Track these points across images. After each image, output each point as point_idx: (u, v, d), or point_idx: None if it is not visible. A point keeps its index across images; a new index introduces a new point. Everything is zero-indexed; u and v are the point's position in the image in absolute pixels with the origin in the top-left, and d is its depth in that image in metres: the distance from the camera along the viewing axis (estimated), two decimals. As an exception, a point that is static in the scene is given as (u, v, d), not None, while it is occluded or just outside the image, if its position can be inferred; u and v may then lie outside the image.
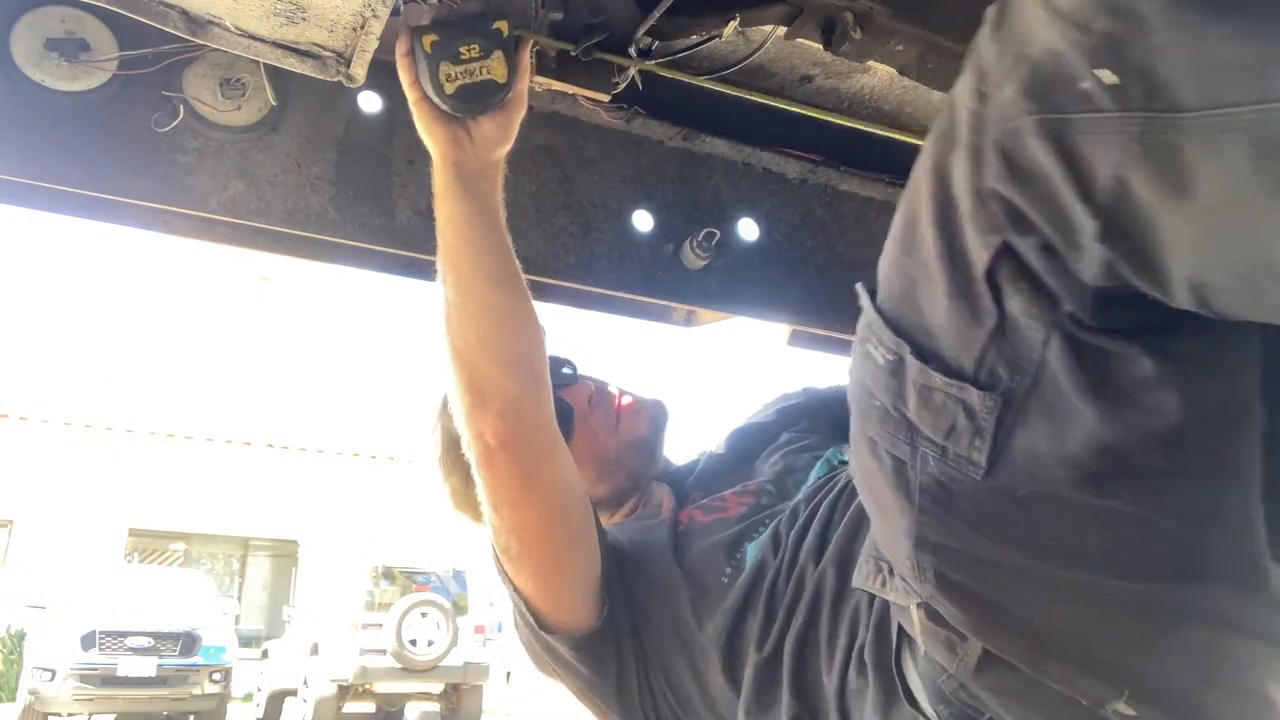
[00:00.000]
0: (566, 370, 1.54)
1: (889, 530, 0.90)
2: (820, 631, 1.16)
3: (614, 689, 1.28)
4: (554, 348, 1.50)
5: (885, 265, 0.88)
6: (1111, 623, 0.82)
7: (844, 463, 1.39)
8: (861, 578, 1.04)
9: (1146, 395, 0.73)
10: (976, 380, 0.78)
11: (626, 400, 1.52)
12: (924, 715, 1.01)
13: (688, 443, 1.67)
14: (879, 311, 0.87)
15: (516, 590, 1.28)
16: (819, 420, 1.59)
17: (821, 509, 1.27)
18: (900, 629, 1.04)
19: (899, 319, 0.85)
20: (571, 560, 1.27)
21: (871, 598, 1.10)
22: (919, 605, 0.92)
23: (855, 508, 1.22)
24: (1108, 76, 0.64)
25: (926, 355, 0.81)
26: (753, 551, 1.29)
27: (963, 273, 0.77)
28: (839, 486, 1.30)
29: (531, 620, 1.27)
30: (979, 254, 0.76)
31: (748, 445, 1.55)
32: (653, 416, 1.53)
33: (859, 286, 0.93)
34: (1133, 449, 0.75)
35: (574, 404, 1.48)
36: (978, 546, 0.83)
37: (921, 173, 0.81)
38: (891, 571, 0.97)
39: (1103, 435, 0.74)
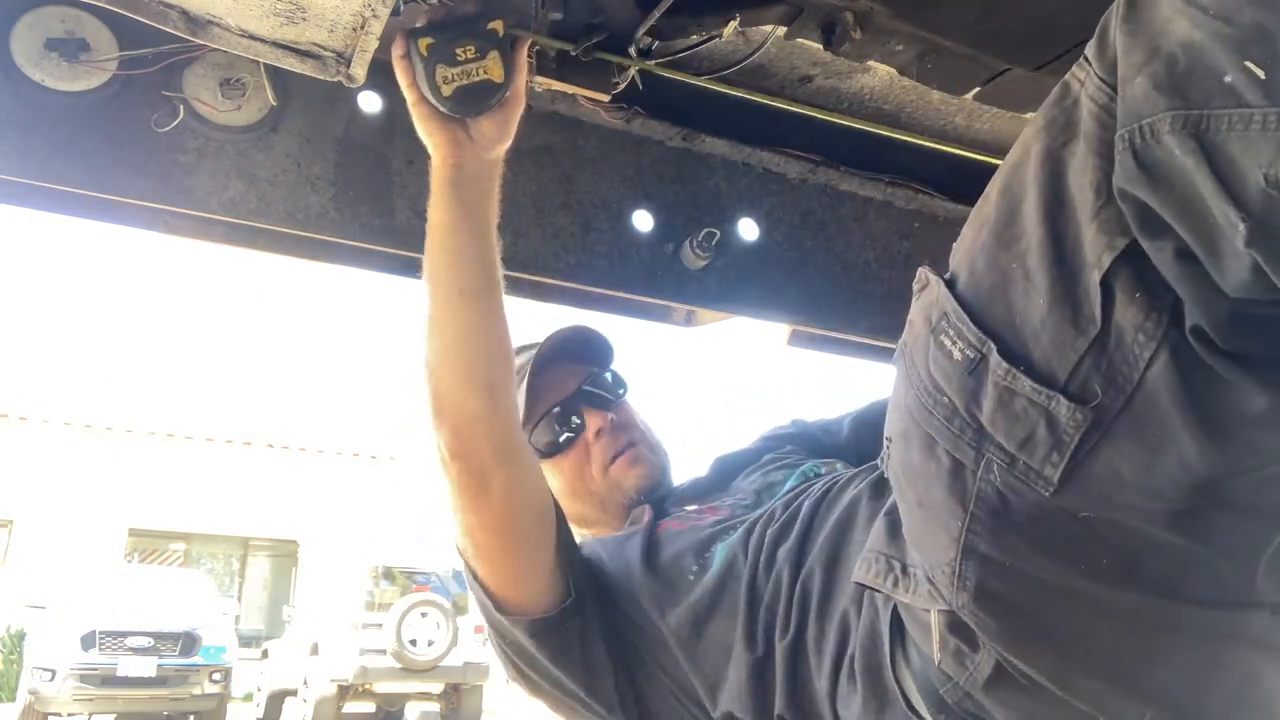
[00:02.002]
0: (603, 394, 1.55)
1: (929, 532, 0.86)
2: (808, 634, 1.15)
3: (581, 680, 1.28)
4: (620, 364, 1.57)
5: (972, 253, 0.82)
6: (1152, 642, 0.80)
7: (819, 475, 1.39)
8: (867, 575, 1.00)
9: (1251, 433, 0.69)
10: (1067, 391, 0.73)
11: (631, 451, 1.51)
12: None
13: (683, 442, 1.67)
14: (961, 302, 0.81)
15: (478, 581, 1.31)
16: (804, 447, 1.60)
17: (803, 510, 1.26)
18: (893, 633, 1.02)
19: (985, 314, 0.78)
20: (525, 563, 1.29)
21: (860, 601, 1.08)
22: (942, 612, 0.89)
23: (842, 511, 1.21)
24: (1255, 70, 0.60)
25: (1014, 357, 0.76)
26: (721, 551, 1.29)
27: (1070, 274, 0.72)
28: (819, 490, 1.29)
29: (491, 605, 1.30)
30: (1098, 256, 0.71)
31: (729, 467, 1.56)
32: (647, 480, 1.51)
33: (928, 271, 0.86)
34: (1223, 487, 0.71)
35: (588, 424, 1.51)
36: (1027, 561, 0.79)
37: (1026, 160, 0.76)
38: (905, 571, 0.94)
39: (1198, 468, 0.70)
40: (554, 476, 1.50)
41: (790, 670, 1.16)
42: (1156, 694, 0.82)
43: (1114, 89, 0.70)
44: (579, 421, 1.51)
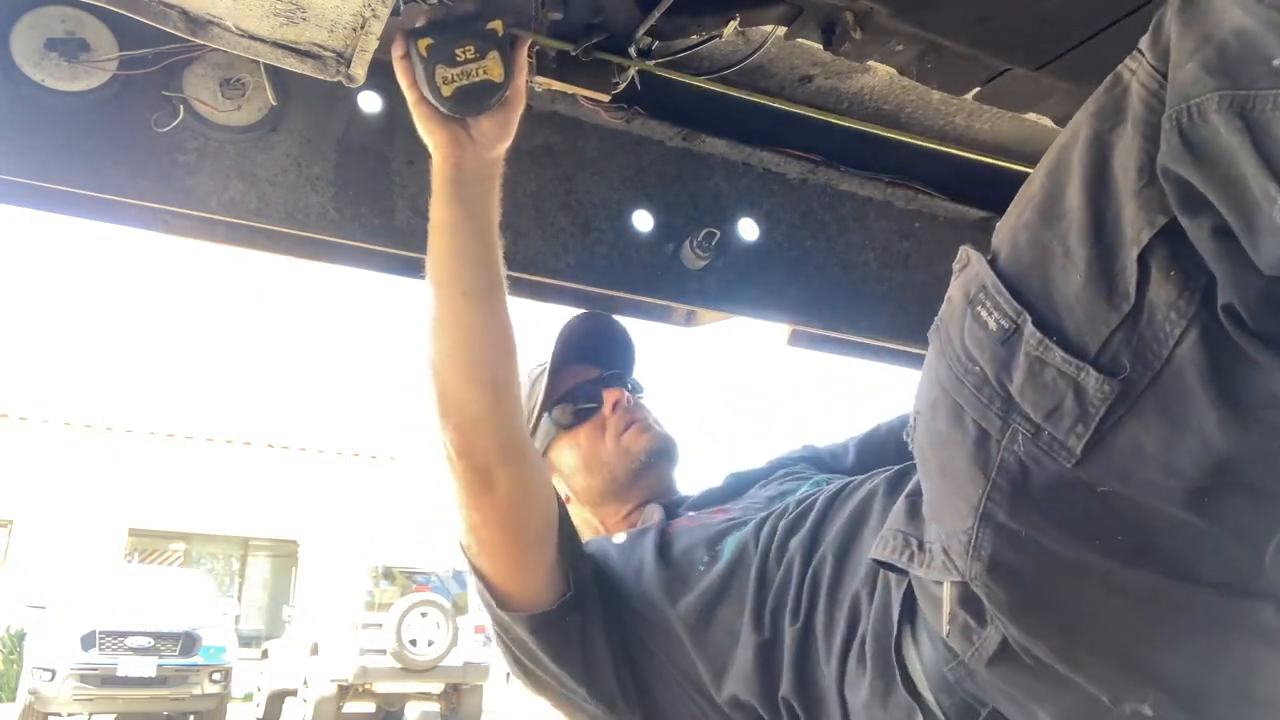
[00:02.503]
0: (613, 375, 1.66)
1: (949, 500, 0.88)
2: (817, 619, 1.17)
3: (581, 676, 1.30)
4: (640, 358, 1.70)
5: (1015, 231, 0.84)
6: (1160, 622, 0.81)
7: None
8: (884, 551, 1.02)
9: (1276, 415, 0.70)
10: (1097, 363, 0.75)
11: (641, 421, 1.61)
12: (923, 703, 1.01)
13: (682, 442, 1.75)
14: (1000, 276, 0.83)
15: (481, 577, 1.34)
16: (815, 468, 1.65)
17: (817, 504, 1.29)
18: (904, 614, 1.03)
19: (1023, 287, 0.81)
20: (528, 559, 1.32)
21: (873, 585, 1.10)
22: (954, 584, 0.90)
23: (856, 505, 1.23)
24: None
25: (1048, 328, 0.78)
26: (732, 543, 1.33)
27: (1109, 251, 0.74)
28: (834, 488, 1.32)
29: (494, 602, 1.32)
30: (1137, 232, 0.73)
31: (742, 481, 1.61)
32: (656, 445, 1.60)
33: (968, 248, 0.89)
34: (1242, 467, 0.73)
35: (605, 398, 1.61)
36: (1043, 534, 0.81)
37: (1074, 143, 0.79)
38: (921, 546, 0.96)
39: (1220, 447, 0.71)
40: (571, 450, 1.60)
41: (798, 654, 1.18)
42: (1161, 676, 0.83)
43: (1164, 76, 0.72)
44: (598, 396, 1.61)
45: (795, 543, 1.25)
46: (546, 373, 1.61)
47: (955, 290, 0.89)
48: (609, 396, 1.61)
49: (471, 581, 1.37)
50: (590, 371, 1.66)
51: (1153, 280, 0.72)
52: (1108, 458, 0.76)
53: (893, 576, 1.07)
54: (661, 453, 1.59)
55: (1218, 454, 0.72)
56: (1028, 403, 0.79)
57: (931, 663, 0.99)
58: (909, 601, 1.03)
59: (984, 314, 0.82)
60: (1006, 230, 0.86)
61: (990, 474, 0.82)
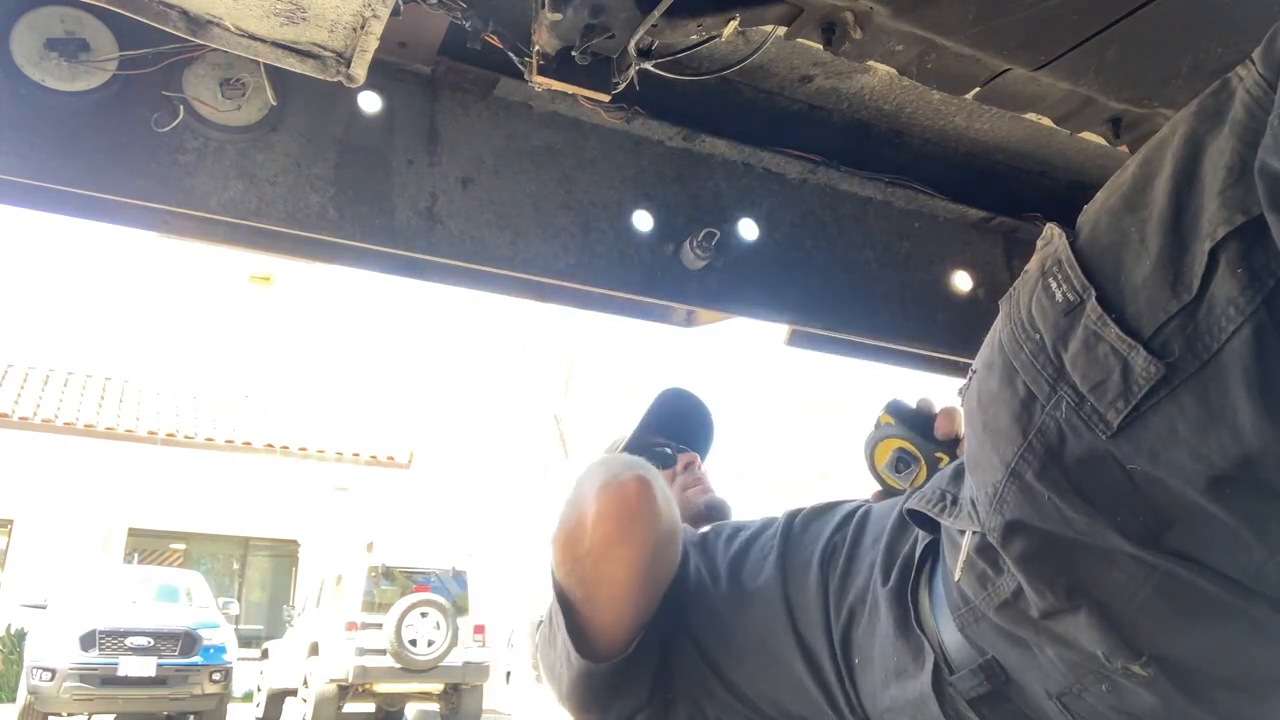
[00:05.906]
0: (689, 454, 1.80)
1: (985, 455, 0.92)
2: (833, 575, 1.25)
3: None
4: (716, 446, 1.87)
5: (1099, 213, 0.88)
6: (1161, 602, 0.84)
7: None
8: (920, 503, 1.08)
9: None
10: (1149, 345, 0.78)
11: (704, 484, 1.76)
12: (931, 645, 1.07)
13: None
14: (1076, 253, 0.87)
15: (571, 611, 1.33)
16: None
17: (850, 520, 1.36)
18: (921, 565, 1.10)
19: (1094, 266, 0.85)
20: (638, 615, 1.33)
21: (892, 552, 1.17)
22: (975, 533, 0.95)
23: (884, 507, 1.30)
24: None
25: (1110, 306, 0.82)
26: (759, 520, 1.46)
27: (1182, 243, 0.77)
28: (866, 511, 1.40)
29: (573, 647, 1.32)
30: (1214, 228, 0.75)
31: None
32: (711, 505, 1.75)
33: (1053, 226, 0.93)
34: (1266, 466, 0.75)
35: (680, 459, 1.77)
36: (1065, 499, 0.84)
37: (1171, 139, 0.82)
38: (955, 501, 1.01)
39: (1249, 441, 0.74)
40: None
41: (817, 603, 1.26)
42: (1156, 649, 0.86)
43: (1272, 86, 0.74)
44: (674, 458, 1.76)
45: (811, 538, 1.34)
46: (634, 429, 1.77)
47: (1033, 262, 0.93)
48: (684, 458, 1.76)
49: (559, 628, 1.34)
50: (673, 443, 1.81)
51: (1218, 275, 0.75)
52: (1141, 435, 0.79)
53: (919, 535, 1.13)
54: (718, 511, 1.72)
55: (1246, 448, 0.74)
56: (1077, 373, 0.83)
57: (942, 608, 1.05)
58: (929, 554, 1.10)
59: (1053, 285, 0.87)
60: (1092, 213, 0.89)
61: (1029, 435, 0.86)
